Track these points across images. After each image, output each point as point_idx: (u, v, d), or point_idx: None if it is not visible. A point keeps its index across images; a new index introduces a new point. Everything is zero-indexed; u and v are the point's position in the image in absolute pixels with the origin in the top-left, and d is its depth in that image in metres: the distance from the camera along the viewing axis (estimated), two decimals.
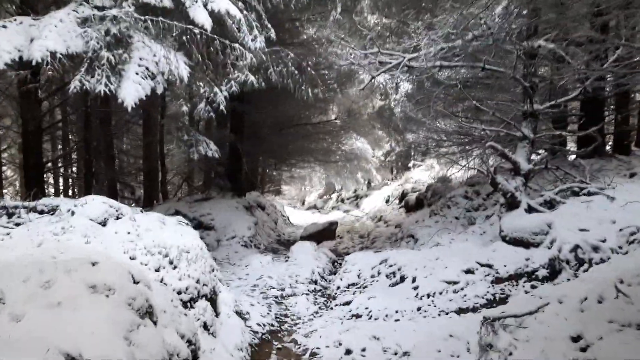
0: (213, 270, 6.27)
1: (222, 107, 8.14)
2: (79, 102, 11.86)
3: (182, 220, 7.56)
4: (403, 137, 26.74)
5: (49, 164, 12.94)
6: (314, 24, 13.57)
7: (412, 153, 30.08)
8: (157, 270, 5.06)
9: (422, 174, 21.07)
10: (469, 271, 6.89)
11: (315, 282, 8.50)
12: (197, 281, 5.21)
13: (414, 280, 7.18)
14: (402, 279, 7.37)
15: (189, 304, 4.96)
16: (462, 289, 6.68)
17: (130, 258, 5.09)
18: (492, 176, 7.73)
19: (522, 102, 8.41)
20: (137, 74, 7.32)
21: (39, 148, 10.57)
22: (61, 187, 18.61)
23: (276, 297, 7.51)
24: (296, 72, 10.02)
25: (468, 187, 11.40)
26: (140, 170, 16.59)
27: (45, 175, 17.40)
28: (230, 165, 14.36)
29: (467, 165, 12.16)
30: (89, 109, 11.20)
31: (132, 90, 7.18)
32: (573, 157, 11.63)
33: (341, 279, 8.15)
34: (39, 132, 10.36)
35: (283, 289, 7.86)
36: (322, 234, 14.42)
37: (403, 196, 16.85)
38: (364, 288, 7.68)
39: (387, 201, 20.04)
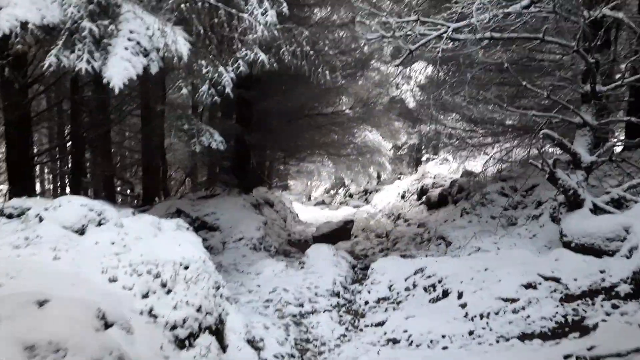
0: (219, 289, 5.06)
1: (228, 90, 6.91)
2: (68, 86, 10.65)
3: (182, 223, 6.35)
4: (419, 128, 25.60)
5: (37, 158, 11.73)
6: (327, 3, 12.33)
7: (424, 146, 28.88)
8: (146, 295, 3.85)
9: (439, 169, 19.79)
10: (529, 285, 5.66)
11: (338, 295, 7.29)
12: (199, 309, 4.00)
13: (460, 295, 5.96)
14: (445, 293, 6.15)
15: (187, 342, 3.75)
16: (523, 308, 5.44)
17: (110, 280, 3.88)
18: (550, 170, 6.48)
19: (578, 83, 7.15)
20: (126, 49, 6.09)
21: (24, 140, 9.39)
22: (51, 185, 17.45)
23: (294, 315, 6.29)
24: (312, 52, 8.77)
25: (503, 183, 10.14)
26: (139, 165, 15.40)
27: (37, 171, 16.25)
28: (237, 159, 13.15)
29: (500, 157, 10.91)
30: (79, 95, 9.98)
31: (120, 69, 5.97)
32: (619, 148, 10.36)
33: (369, 292, 6.93)
34: (24, 122, 9.19)
35: (302, 305, 6.64)
36: (337, 234, 13.21)
37: (422, 192, 15.61)
38: (397, 304, 6.46)
39: (403, 197, 18.78)
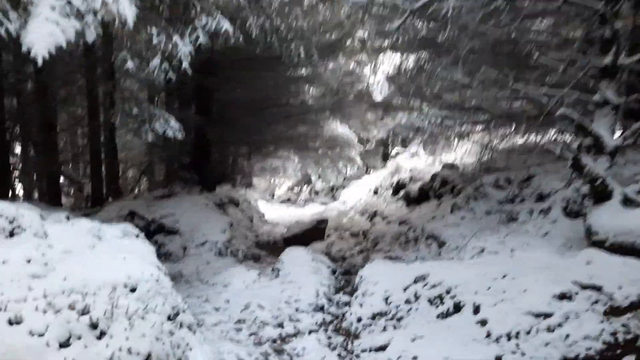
0: (178, 315, 3.82)
1: (185, 64, 5.67)
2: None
3: (131, 230, 5.05)
4: (387, 121, 24.67)
5: None
6: None
7: (391, 140, 27.98)
8: (65, 344, 2.59)
9: (412, 162, 18.87)
10: (564, 296, 4.62)
11: (322, 309, 6.12)
12: (148, 357, 2.76)
13: (476, 309, 4.88)
14: (457, 307, 5.07)
15: None
16: (560, 325, 4.40)
17: (11, 322, 2.60)
18: (574, 156, 5.48)
19: (596, 55, 6.19)
20: (53, 9, 4.81)
21: None
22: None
23: (274, 340, 5.07)
24: (283, 26, 7.58)
25: (498, 174, 9.18)
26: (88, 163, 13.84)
27: None
28: (197, 154, 11.81)
29: (493, 147, 9.98)
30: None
31: (43, 34, 4.69)
32: None
33: (361, 305, 5.79)
34: None
35: (281, 325, 5.44)
36: (309, 234, 12.07)
37: (398, 187, 14.60)
38: (398, 320, 5.34)
39: (376, 192, 17.75)
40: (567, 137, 10.86)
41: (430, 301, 5.36)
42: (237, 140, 15.01)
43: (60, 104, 10.84)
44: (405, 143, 26.73)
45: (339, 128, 19.88)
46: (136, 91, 9.12)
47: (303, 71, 14.42)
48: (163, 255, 9.48)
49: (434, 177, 12.32)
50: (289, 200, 32.51)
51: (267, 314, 5.59)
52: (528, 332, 4.40)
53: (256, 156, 19.91)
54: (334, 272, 8.51)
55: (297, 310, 5.89)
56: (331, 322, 5.79)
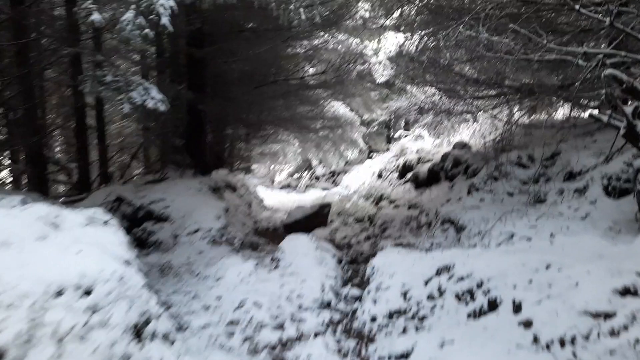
0: (148, 323, 2.96)
1: (164, 21, 4.75)
2: None
3: (100, 215, 4.18)
4: (390, 102, 23.80)
5: None
6: None
7: (394, 123, 27.05)
8: None
9: (419, 144, 17.98)
10: (627, 291, 3.77)
11: (329, 306, 5.29)
12: None
13: (517, 307, 4.04)
14: (493, 304, 4.22)
15: None
16: (625, 327, 3.55)
17: None
18: (628, 122, 4.59)
19: None
20: None
21: None
22: None
23: (273, 346, 4.22)
24: None
25: (520, 152, 8.29)
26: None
27: None
28: (190, 134, 10.91)
29: (514, 122, 9.07)
30: None
31: None
32: None
33: (375, 302, 4.95)
34: None
35: (282, 326, 4.60)
36: (311, 220, 11.22)
37: (405, 169, 13.74)
38: (420, 320, 4.50)
39: (380, 176, 16.88)
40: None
41: (459, 297, 4.52)
42: (233, 120, 14.11)
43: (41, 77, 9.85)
44: (408, 126, 25.85)
45: (340, 108, 18.97)
46: (114, 59, 8.14)
47: (303, 45, 13.50)
48: (152, 245, 8.66)
49: (444, 157, 11.45)
50: (289, 186, 31.66)
51: (264, 313, 4.75)
52: (586, 337, 3.56)
53: (255, 139, 19.01)
54: (339, 261, 7.68)
55: (300, 307, 5.06)
56: (340, 321, 4.95)
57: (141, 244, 8.73)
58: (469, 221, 7.12)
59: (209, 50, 10.00)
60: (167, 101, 5.68)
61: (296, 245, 6.97)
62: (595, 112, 6.90)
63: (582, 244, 4.58)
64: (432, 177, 11.48)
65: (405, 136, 23.47)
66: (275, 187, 32.06)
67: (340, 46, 16.00)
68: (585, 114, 10.67)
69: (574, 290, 3.92)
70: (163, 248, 8.42)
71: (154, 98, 5.42)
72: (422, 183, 11.84)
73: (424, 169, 12.03)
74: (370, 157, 24.58)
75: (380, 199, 12.97)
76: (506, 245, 5.63)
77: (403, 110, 25.51)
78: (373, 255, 6.95)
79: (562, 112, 10.38)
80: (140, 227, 8.87)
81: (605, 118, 4.97)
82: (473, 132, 16.37)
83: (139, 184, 10.86)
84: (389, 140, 26.04)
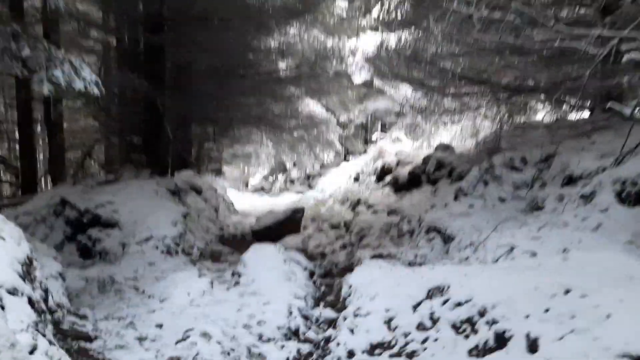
0: None
1: None
2: None
3: None
4: (366, 103, 23.07)
5: None
6: None
7: (371, 125, 26.33)
8: None
9: (397, 146, 17.19)
10: None
11: (297, 335, 4.35)
12: None
13: (532, 344, 3.18)
14: (501, 339, 3.35)
15: None
16: None
17: None
18: None
19: None
20: None
21: None
22: None
23: None
24: None
25: (511, 153, 7.49)
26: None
27: None
28: (147, 131, 9.86)
29: (499, 120, 8.29)
30: None
31: None
32: None
33: (352, 331, 4.03)
34: None
35: None
36: (283, 226, 10.28)
37: (384, 172, 12.89)
38: (409, 357, 3.60)
39: (357, 179, 16.00)
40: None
41: (456, 327, 3.64)
42: (200, 118, 13.06)
43: None
44: (385, 128, 25.14)
45: (315, 108, 18.10)
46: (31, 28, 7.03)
47: (275, 38, 12.57)
48: (97, 254, 7.60)
49: (426, 159, 10.63)
50: (262, 189, 30.62)
51: (214, 348, 3.79)
52: None
53: (225, 139, 18.00)
54: (311, 274, 6.76)
55: (260, 338, 4.12)
56: (309, 355, 4.02)
57: (85, 253, 7.67)
58: (458, 230, 6.27)
59: (169, 37, 8.99)
60: (100, 85, 4.67)
61: (261, 257, 6.02)
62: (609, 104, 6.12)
63: (605, 263, 3.75)
64: (413, 181, 10.65)
65: (382, 138, 22.75)
66: (249, 190, 31.02)
67: (316, 42, 15.14)
68: (577, 114, 10.00)
69: (605, 324, 3.07)
70: (109, 258, 7.37)
71: (85, 79, 4.43)
72: (402, 187, 11.00)
73: (404, 172, 11.20)
74: (347, 160, 23.76)
75: (357, 203, 12.08)
76: (506, 261, 4.78)
77: (380, 113, 24.81)
78: (349, 268, 6.06)
79: (551, 112, 9.66)
80: (85, 234, 7.82)
81: (627, 110, 4.16)
82: (454, 134, 15.66)
83: (91, 185, 9.78)
84: (366, 142, 25.28)
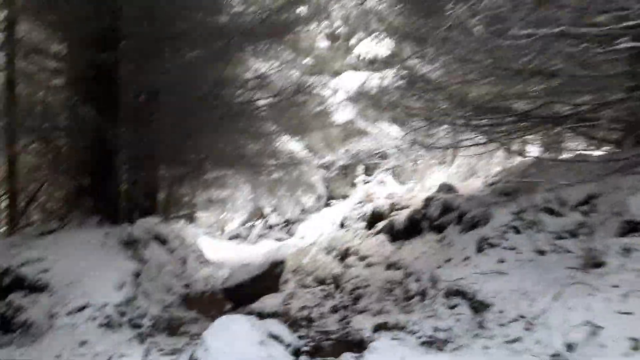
0: None
1: None
2: None
3: None
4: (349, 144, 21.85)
5: None
6: None
7: (353, 166, 25.00)
8: None
9: (387, 189, 15.76)
10: None
11: None
12: None
13: None
14: None
15: None
16: None
17: None
18: None
19: None
20: None
21: None
22: None
23: None
24: None
25: (547, 194, 6.02)
26: None
27: None
28: (97, 171, 8.20)
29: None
30: None
31: None
32: None
33: None
34: None
35: None
36: (260, 283, 8.65)
37: (375, 218, 11.33)
38: None
39: (342, 225, 14.42)
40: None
41: None
42: (166, 156, 11.43)
43: None
44: (369, 171, 23.74)
45: (296, 147, 16.67)
46: None
47: (251, 68, 11.24)
48: (19, 327, 5.81)
49: (427, 202, 9.13)
50: (239, 236, 28.74)
51: None
52: None
53: (196, 182, 16.33)
54: (296, 353, 5.09)
55: None
56: None
57: (4, 326, 5.89)
58: (494, 295, 4.70)
59: (125, 56, 7.50)
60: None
61: (229, 337, 4.34)
62: None
63: None
64: (412, 228, 9.12)
65: (367, 182, 21.37)
66: (225, 237, 29.13)
67: (296, 72, 13.86)
68: (599, 149, 8.72)
69: None
70: (32, 333, 5.61)
71: None
72: (399, 235, 9.45)
73: (400, 217, 9.67)
74: (329, 205, 22.19)
75: (346, 253, 10.47)
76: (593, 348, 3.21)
77: (364, 154, 23.46)
78: (345, 341, 4.49)
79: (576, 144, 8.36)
80: (4, 301, 6.05)
81: None
82: (448, 174, 14.33)
83: (32, 235, 8.04)
84: (349, 186, 23.84)
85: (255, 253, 18.25)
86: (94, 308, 5.69)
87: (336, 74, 19.73)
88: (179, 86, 8.88)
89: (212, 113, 9.99)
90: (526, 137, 7.60)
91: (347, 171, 25.25)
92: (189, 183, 16.52)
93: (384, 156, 21.94)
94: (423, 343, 4.65)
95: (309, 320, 7.12)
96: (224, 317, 4.90)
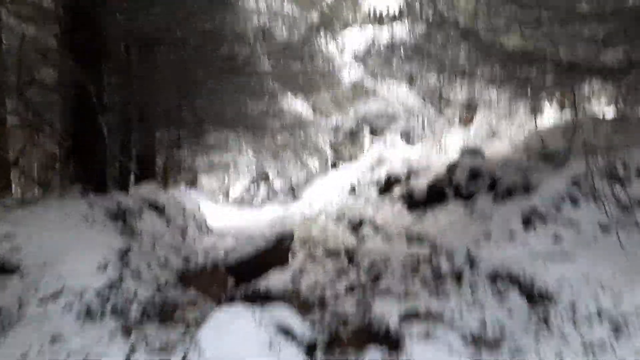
0: None
1: None
2: None
3: None
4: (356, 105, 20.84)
5: None
6: None
7: (360, 127, 23.90)
8: None
9: (398, 152, 14.77)
10: None
11: None
12: None
13: None
14: None
15: None
16: None
17: None
18: None
19: None
20: None
21: None
22: None
23: None
24: None
25: (609, 156, 5.04)
26: None
27: None
28: (81, 131, 7.21)
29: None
30: None
31: None
32: None
33: None
34: None
35: None
36: (266, 258, 7.75)
37: (391, 183, 10.41)
38: None
39: (353, 191, 13.51)
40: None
41: None
42: (163, 117, 10.44)
43: None
44: (375, 132, 22.63)
45: (301, 108, 15.62)
46: None
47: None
48: None
49: (451, 168, 8.18)
50: (243, 201, 27.94)
51: None
52: None
53: (196, 145, 15.38)
54: (310, 349, 4.24)
55: None
56: None
57: None
58: (557, 283, 3.78)
59: None
60: None
61: (229, 340, 3.46)
62: None
63: None
64: (435, 196, 8.21)
65: (375, 144, 20.42)
66: (228, 202, 28.31)
67: (302, 25, 12.70)
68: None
69: None
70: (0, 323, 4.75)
71: None
72: (418, 203, 8.55)
73: (419, 184, 8.73)
74: (335, 168, 21.22)
75: (360, 223, 9.57)
76: None
77: (371, 116, 22.35)
78: (367, 330, 3.65)
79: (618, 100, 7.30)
80: None
81: None
82: (466, 136, 13.31)
83: (9, 205, 7.11)
84: (358, 148, 22.79)
85: (259, 219, 17.41)
86: (70, 294, 4.80)
87: (344, 27, 18.47)
88: (173, 37, 7.84)
89: (210, 68, 8.94)
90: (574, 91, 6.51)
91: (353, 133, 24.17)
92: (189, 146, 15.56)
93: (393, 117, 20.90)
94: (470, 342, 3.76)
95: (322, 302, 6.25)
96: (222, 310, 4.01)
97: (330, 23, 19.62)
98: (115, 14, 7.05)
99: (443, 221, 7.11)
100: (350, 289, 6.43)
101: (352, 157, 21.45)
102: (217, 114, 10.90)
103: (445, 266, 5.43)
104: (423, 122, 17.19)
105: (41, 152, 8.83)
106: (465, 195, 7.37)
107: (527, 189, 6.13)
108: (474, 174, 7.33)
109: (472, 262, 4.97)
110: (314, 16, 18.56)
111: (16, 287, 5.03)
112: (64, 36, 6.66)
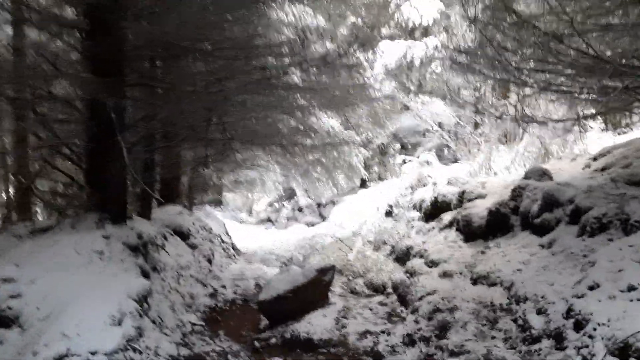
0: None
1: None
2: None
3: None
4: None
5: None
6: None
7: (391, 144, 22.85)
8: None
9: (443, 171, 13.72)
10: None
11: None
12: None
13: None
14: None
15: None
16: None
17: None
18: None
19: None
20: None
21: None
22: None
23: None
24: None
25: None
26: None
27: None
28: (95, 153, 6.34)
29: None
30: None
31: None
32: None
33: None
34: None
35: None
36: (304, 295, 6.78)
37: (438, 208, 9.32)
38: None
39: (390, 214, 12.44)
40: None
41: None
42: (188, 136, 9.57)
43: None
44: (406, 150, 21.53)
45: (334, 124, 14.69)
46: None
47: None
48: None
49: (517, 191, 7.11)
50: (268, 220, 26.99)
51: None
52: None
53: (222, 166, 14.49)
54: None
55: None
56: None
57: None
58: None
59: (132, 11, 5.58)
60: None
61: None
62: None
63: None
64: (498, 224, 7.15)
65: (408, 161, 19.40)
66: (253, 218, 27.40)
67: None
68: None
69: None
70: None
71: None
72: (477, 233, 7.47)
73: (477, 210, 7.65)
74: (365, 187, 20.18)
75: (407, 254, 8.54)
76: None
77: (404, 132, 21.39)
78: None
79: None
80: None
81: None
82: (515, 154, 12.19)
83: (21, 235, 6.27)
84: (388, 166, 21.74)
85: (287, 240, 16.47)
86: (78, 354, 3.89)
87: (378, 41, 17.58)
88: (202, 47, 7.00)
89: (241, 81, 8.06)
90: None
91: (385, 150, 23.09)
92: (216, 165, 14.69)
93: (427, 133, 19.92)
94: None
95: (375, 356, 5.25)
96: None
97: (364, 37, 18.72)
98: (139, 20, 6.23)
99: (513, 256, 6.04)
100: (410, 341, 5.40)
101: (381, 176, 20.40)
102: (247, 131, 10.01)
103: (536, 322, 4.37)
104: (461, 139, 16.12)
105: (58, 175, 8.01)
106: (538, 227, 6.30)
107: (624, 222, 5.07)
108: (550, 202, 6.25)
109: (577, 322, 3.91)
110: (347, 29, 17.81)
111: (14, 344, 4.16)
112: (83, 45, 5.85)
